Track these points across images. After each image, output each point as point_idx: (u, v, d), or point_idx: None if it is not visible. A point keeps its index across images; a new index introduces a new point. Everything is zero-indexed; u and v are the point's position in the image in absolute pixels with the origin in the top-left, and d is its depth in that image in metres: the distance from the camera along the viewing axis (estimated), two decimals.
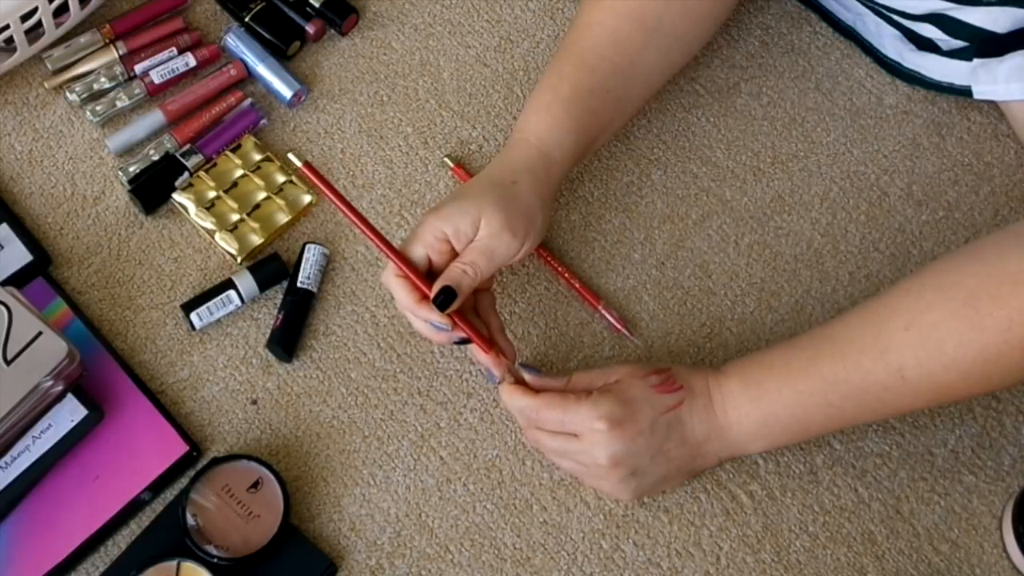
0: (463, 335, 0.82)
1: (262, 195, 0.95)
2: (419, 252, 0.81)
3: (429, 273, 0.82)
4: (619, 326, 0.91)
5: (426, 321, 0.81)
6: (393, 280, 0.82)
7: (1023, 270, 0.72)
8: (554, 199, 0.89)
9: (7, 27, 0.93)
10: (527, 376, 0.83)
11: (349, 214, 0.82)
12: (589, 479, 0.84)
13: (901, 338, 0.75)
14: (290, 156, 0.83)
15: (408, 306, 0.81)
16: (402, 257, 0.81)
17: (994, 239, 0.76)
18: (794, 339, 0.81)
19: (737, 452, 0.83)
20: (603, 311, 0.91)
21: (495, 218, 0.80)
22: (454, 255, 0.82)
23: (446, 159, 0.96)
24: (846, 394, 0.77)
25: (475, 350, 0.83)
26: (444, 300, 0.79)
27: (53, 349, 0.79)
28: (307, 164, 0.81)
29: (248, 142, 0.97)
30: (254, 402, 0.88)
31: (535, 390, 0.82)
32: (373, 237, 0.81)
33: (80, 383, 0.83)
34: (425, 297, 0.80)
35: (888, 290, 0.78)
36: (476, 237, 0.81)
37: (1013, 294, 0.71)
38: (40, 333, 0.80)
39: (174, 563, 0.80)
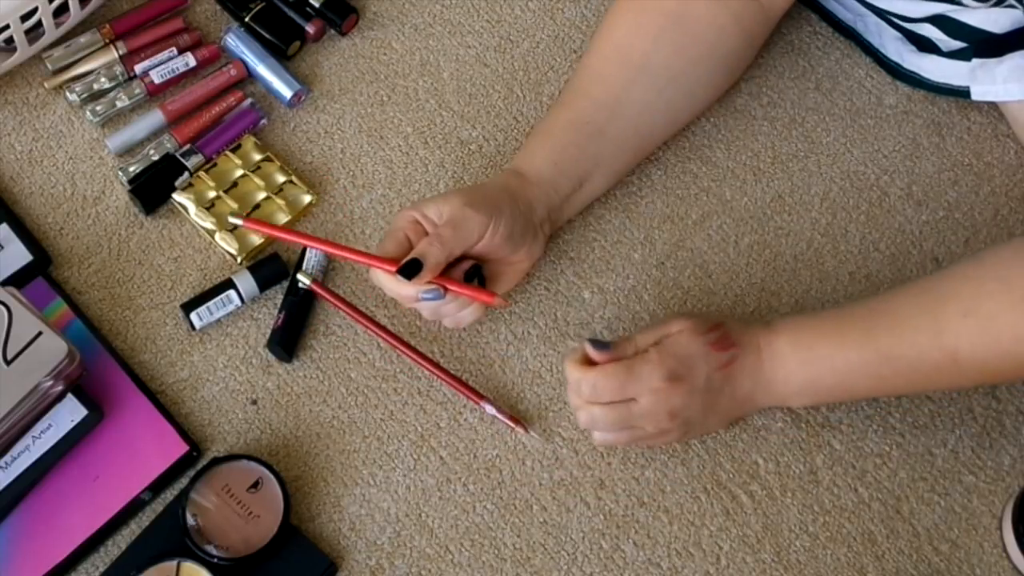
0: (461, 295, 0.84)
1: (262, 195, 0.95)
2: (391, 245, 0.84)
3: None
4: (509, 422, 0.88)
5: (419, 300, 0.83)
6: (379, 275, 0.84)
7: None
8: (532, 215, 0.88)
9: (7, 27, 0.93)
10: (594, 354, 0.81)
11: (318, 246, 0.88)
12: (644, 440, 0.84)
13: (958, 324, 0.77)
14: (231, 219, 0.86)
15: (395, 290, 0.84)
16: (375, 257, 0.84)
17: None
18: (846, 307, 0.85)
19: (780, 404, 0.87)
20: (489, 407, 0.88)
21: (457, 198, 0.84)
22: None
23: (233, 219, 0.86)
24: (897, 370, 0.80)
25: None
26: (408, 269, 0.81)
27: (53, 349, 0.79)
28: (247, 218, 0.86)
29: (248, 142, 0.97)
30: (254, 402, 0.88)
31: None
32: (343, 253, 0.86)
33: (80, 383, 0.83)
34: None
35: (945, 271, 0.81)
36: (443, 218, 0.84)
37: None
38: (40, 333, 0.80)
39: (174, 563, 0.80)
